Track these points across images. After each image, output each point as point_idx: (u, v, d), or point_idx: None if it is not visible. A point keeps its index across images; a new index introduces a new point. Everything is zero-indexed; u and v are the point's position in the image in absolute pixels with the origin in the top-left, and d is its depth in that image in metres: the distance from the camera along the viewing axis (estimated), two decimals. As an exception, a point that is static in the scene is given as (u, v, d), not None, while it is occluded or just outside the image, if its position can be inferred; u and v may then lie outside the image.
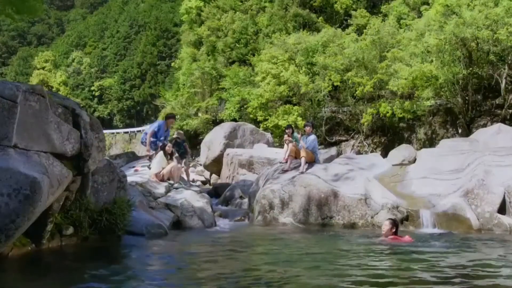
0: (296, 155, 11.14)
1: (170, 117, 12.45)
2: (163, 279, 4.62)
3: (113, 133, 56.07)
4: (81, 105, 7.68)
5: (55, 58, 74.10)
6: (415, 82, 21.22)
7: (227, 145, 18.25)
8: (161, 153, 10.53)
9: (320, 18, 34.03)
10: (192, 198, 9.50)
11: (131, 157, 13.16)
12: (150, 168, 10.65)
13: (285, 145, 11.92)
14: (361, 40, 26.23)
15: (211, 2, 41.11)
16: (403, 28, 27.11)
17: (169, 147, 10.73)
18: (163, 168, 10.32)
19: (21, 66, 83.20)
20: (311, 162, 11.00)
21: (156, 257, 5.81)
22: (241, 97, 29.80)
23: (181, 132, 14.61)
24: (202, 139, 23.15)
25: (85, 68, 78.10)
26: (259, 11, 37.54)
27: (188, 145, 13.44)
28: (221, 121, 28.64)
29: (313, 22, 33.60)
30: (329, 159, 15.09)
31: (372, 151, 23.92)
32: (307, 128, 11.43)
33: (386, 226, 7.23)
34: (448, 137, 20.37)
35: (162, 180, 10.23)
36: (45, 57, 71.05)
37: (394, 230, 7.17)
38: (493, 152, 10.07)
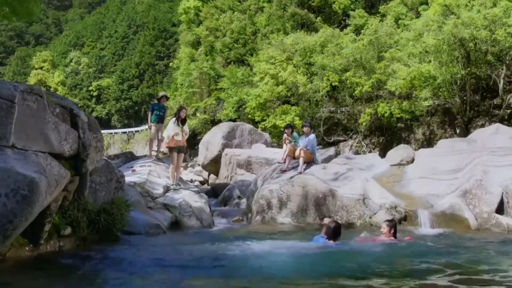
0: (294, 155, 11.14)
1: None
2: (161, 280, 4.61)
3: (111, 133, 56.01)
4: (79, 105, 7.68)
5: (53, 58, 73.87)
6: (413, 82, 21.26)
7: (225, 145, 18.22)
8: (172, 120, 10.37)
9: (318, 18, 34.05)
10: (190, 198, 9.49)
11: (129, 157, 13.14)
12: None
13: (284, 145, 11.90)
14: (359, 40, 26.25)
15: (209, 2, 41.10)
16: (401, 28, 27.15)
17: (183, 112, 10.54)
18: (174, 136, 10.21)
19: (19, 66, 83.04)
20: (310, 162, 11.00)
21: (154, 257, 5.80)
22: (239, 97, 29.80)
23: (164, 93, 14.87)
24: (200, 139, 23.15)
25: (83, 68, 78.00)
26: (257, 11, 37.56)
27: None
28: (219, 121, 28.63)
29: (311, 22, 33.61)
30: (328, 159, 15.10)
31: (370, 151, 23.94)
32: (305, 129, 11.42)
33: (384, 228, 7.12)
34: (446, 137, 20.40)
35: (171, 147, 10.21)
36: (43, 57, 70.84)
37: (392, 231, 7.09)
38: (491, 152, 10.08)
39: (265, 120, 26.52)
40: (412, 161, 11.41)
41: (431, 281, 4.52)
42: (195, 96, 37.06)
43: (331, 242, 6.56)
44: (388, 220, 7.42)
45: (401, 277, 4.74)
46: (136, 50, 73.14)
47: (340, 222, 9.32)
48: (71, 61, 79.28)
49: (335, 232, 6.60)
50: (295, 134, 12.09)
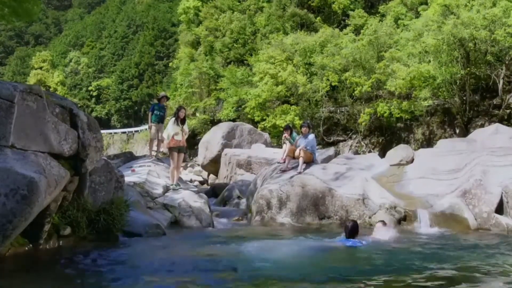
0: (294, 155, 11.13)
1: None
2: (160, 280, 4.61)
3: (110, 133, 56.06)
4: (79, 105, 7.68)
5: (52, 58, 73.95)
6: (412, 82, 21.27)
7: (225, 145, 18.24)
8: (172, 120, 10.35)
9: (318, 18, 34.08)
10: (190, 198, 9.48)
11: (129, 157, 13.14)
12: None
13: (284, 145, 11.89)
14: (358, 40, 26.27)
15: (209, 2, 41.16)
16: (400, 28, 27.17)
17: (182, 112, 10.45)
18: (174, 136, 10.21)
19: (19, 66, 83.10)
20: (309, 162, 10.99)
21: (153, 257, 5.80)
22: (239, 97, 29.82)
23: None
24: (200, 139, 23.15)
25: (82, 68, 78.00)
26: (257, 11, 37.60)
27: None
28: (219, 121, 28.65)
29: (311, 22, 33.64)
30: (327, 159, 15.09)
31: (369, 151, 23.95)
32: (304, 129, 11.41)
33: (381, 227, 7.64)
34: (446, 137, 20.40)
35: (171, 146, 10.18)
36: (43, 57, 70.90)
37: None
38: (490, 152, 10.06)
39: (264, 120, 26.54)
40: (412, 161, 11.39)
41: (430, 281, 4.51)
42: (194, 96, 37.11)
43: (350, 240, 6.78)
44: (382, 221, 8.16)
45: (400, 277, 4.74)
46: (135, 50, 73.19)
47: (339, 222, 9.40)
48: (70, 61, 79.29)
49: (352, 231, 6.86)
50: (294, 134, 12.06)
